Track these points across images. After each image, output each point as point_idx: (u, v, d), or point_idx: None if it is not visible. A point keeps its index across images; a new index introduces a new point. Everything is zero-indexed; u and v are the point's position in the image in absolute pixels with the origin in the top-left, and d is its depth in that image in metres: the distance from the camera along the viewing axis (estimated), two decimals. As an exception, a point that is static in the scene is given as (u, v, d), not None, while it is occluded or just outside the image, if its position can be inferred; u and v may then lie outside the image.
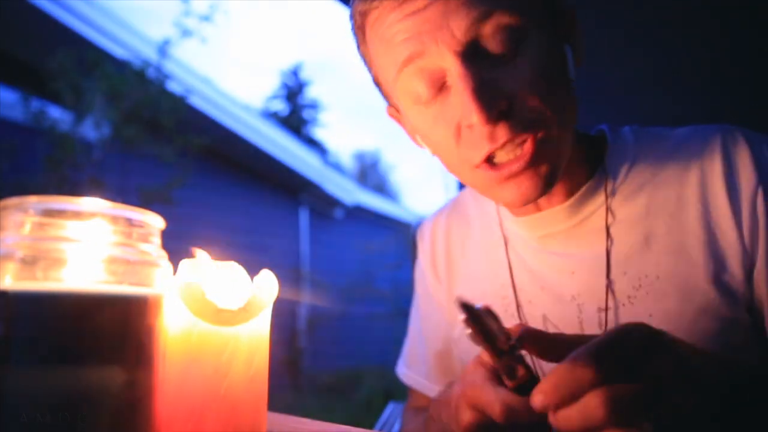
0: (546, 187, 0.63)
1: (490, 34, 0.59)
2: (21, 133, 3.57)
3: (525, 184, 0.63)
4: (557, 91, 0.62)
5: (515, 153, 0.62)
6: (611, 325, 0.69)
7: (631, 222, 0.70)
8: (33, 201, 0.35)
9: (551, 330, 0.74)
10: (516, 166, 0.61)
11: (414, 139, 0.75)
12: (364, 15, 0.65)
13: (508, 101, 0.60)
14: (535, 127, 0.61)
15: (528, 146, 0.61)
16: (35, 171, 3.37)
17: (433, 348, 0.92)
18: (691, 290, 0.65)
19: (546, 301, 0.75)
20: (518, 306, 0.78)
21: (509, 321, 0.78)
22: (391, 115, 0.78)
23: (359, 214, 8.49)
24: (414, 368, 0.94)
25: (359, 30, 0.68)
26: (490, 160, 0.62)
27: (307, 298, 7.02)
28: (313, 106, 17.26)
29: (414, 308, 0.98)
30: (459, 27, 0.58)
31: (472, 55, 0.59)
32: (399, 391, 2.71)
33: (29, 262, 0.34)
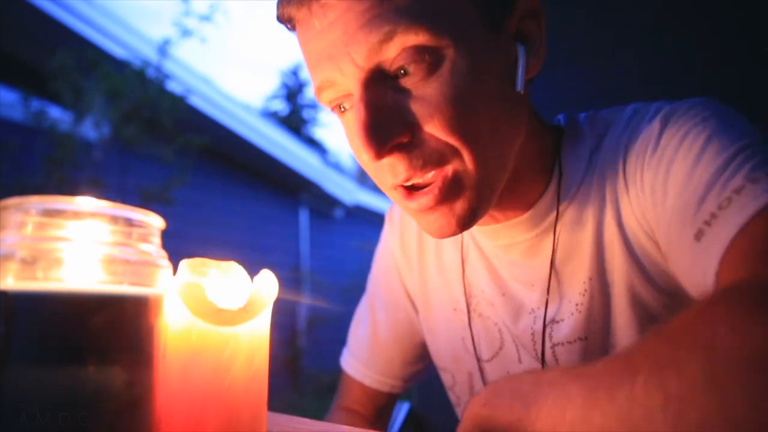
0: (464, 225, 0.58)
1: (395, 57, 0.52)
2: (21, 133, 3.57)
3: (438, 222, 0.58)
4: (481, 116, 0.55)
5: (425, 192, 0.57)
6: (557, 338, 0.67)
7: (575, 227, 0.66)
8: (33, 201, 0.35)
9: (507, 341, 0.73)
10: (425, 201, 0.57)
11: None
12: (290, 20, 0.59)
13: (410, 132, 0.54)
14: (442, 161, 0.55)
15: (438, 182, 0.56)
16: (35, 171, 3.37)
17: (397, 344, 0.89)
18: (627, 290, 0.63)
19: (504, 307, 0.72)
20: (469, 312, 0.76)
21: (460, 324, 0.77)
22: None
23: (359, 213, 8.50)
24: (374, 366, 0.90)
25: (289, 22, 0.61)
26: (406, 186, 0.58)
27: (307, 297, 7.02)
28: (313, 105, 17.26)
29: (374, 294, 0.92)
30: (359, 54, 0.52)
31: (375, 80, 0.54)
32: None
33: (29, 262, 0.34)
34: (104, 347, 0.34)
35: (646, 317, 0.62)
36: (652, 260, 0.62)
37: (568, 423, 0.37)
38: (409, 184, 0.57)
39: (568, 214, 0.66)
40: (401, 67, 0.53)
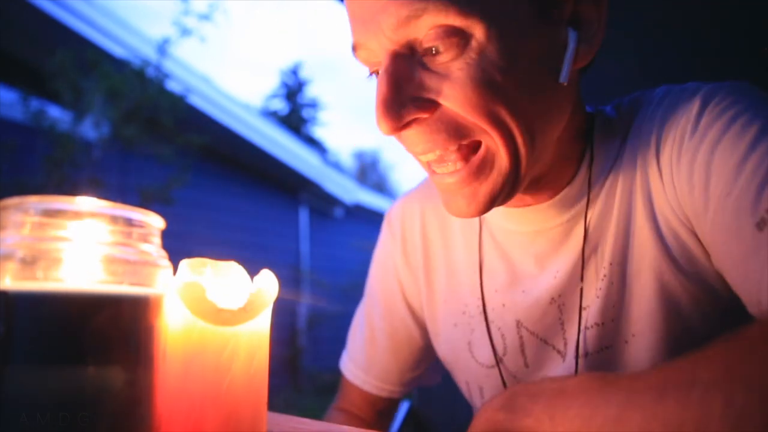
0: (484, 209, 0.58)
1: (425, 34, 0.52)
2: (21, 132, 3.57)
3: (459, 203, 0.58)
4: (510, 101, 0.54)
5: (447, 168, 0.58)
6: (585, 323, 0.65)
7: (604, 213, 0.65)
8: (33, 201, 0.35)
9: (524, 335, 0.71)
10: (449, 182, 0.58)
11: None
12: None
13: (431, 109, 0.54)
14: (466, 135, 0.55)
15: (462, 165, 0.57)
16: (35, 171, 3.37)
17: (394, 352, 0.87)
18: (656, 278, 0.61)
19: (523, 304, 0.70)
20: (485, 310, 0.74)
21: (467, 327, 0.75)
22: None
23: (359, 213, 8.49)
24: (371, 372, 0.88)
25: None
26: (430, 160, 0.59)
27: (306, 297, 7.02)
28: (313, 104, 17.26)
29: (371, 301, 0.90)
30: (387, 25, 0.53)
31: (405, 55, 0.54)
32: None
33: (29, 262, 0.34)
34: (104, 347, 0.34)
35: (671, 307, 0.61)
36: (683, 247, 0.60)
37: (598, 425, 0.37)
38: (428, 158, 0.58)
39: (599, 199, 0.65)
40: (432, 47, 0.53)
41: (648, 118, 0.63)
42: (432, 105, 0.54)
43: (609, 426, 0.37)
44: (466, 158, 0.57)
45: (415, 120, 0.55)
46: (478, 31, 0.52)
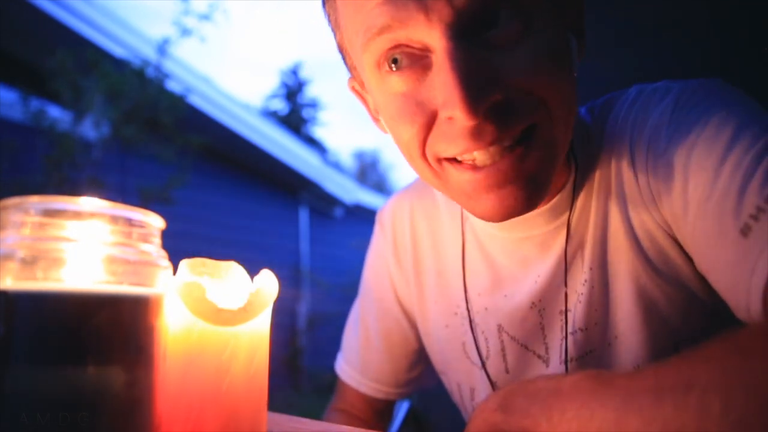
0: (533, 201, 0.54)
1: (493, 11, 0.49)
2: (21, 132, 3.57)
3: (511, 197, 0.53)
4: (561, 86, 0.53)
5: (501, 155, 0.52)
6: (571, 327, 0.65)
7: (583, 219, 0.64)
8: (33, 201, 0.35)
9: (505, 339, 0.71)
10: (502, 170, 0.52)
11: (377, 121, 0.67)
12: None
13: (503, 93, 0.50)
14: (528, 120, 0.52)
15: (519, 149, 0.52)
16: (35, 171, 3.37)
17: (389, 353, 0.86)
18: (632, 281, 0.61)
19: (504, 309, 0.70)
20: (470, 315, 0.74)
21: (460, 328, 0.75)
22: (353, 89, 0.68)
23: (359, 212, 8.49)
24: (366, 374, 0.88)
25: None
26: (464, 160, 0.54)
27: (306, 297, 7.01)
28: (313, 104, 17.27)
29: (365, 302, 0.89)
30: None
31: (466, 31, 0.50)
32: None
33: (29, 262, 0.34)
34: (104, 347, 0.34)
35: (650, 309, 0.61)
36: (660, 250, 0.60)
37: (596, 428, 0.37)
38: (465, 157, 0.53)
39: (579, 204, 0.64)
40: (495, 21, 0.50)
41: (621, 120, 0.63)
42: (503, 85, 0.50)
43: (606, 428, 0.37)
44: (515, 141, 0.53)
45: (490, 105, 0.50)
46: (540, 14, 0.52)
